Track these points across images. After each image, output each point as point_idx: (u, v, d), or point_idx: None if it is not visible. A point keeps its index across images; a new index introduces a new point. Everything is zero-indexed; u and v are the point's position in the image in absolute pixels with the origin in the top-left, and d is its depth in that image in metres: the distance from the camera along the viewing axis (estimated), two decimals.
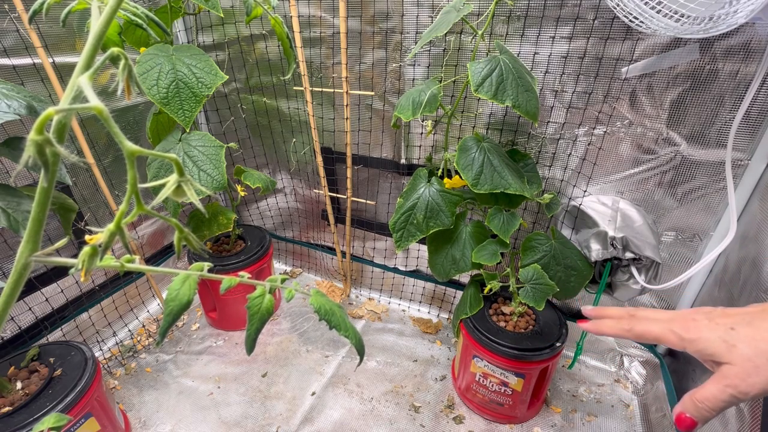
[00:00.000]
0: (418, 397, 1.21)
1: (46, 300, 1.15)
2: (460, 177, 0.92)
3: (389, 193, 1.40)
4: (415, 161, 1.30)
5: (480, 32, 0.86)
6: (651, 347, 1.21)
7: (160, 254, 1.57)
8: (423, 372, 1.30)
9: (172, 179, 0.27)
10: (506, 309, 1.11)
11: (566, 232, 1.10)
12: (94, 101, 0.22)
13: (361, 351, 0.44)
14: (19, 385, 0.91)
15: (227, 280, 0.38)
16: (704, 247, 1.04)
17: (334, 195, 1.46)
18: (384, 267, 1.56)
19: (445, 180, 1.01)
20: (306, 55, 1.26)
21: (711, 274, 1.04)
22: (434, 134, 1.23)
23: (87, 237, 0.27)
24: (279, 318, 1.52)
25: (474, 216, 1.25)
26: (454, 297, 1.47)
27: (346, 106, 1.21)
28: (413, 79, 1.18)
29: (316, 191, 1.52)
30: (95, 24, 0.25)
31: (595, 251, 0.98)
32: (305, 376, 1.28)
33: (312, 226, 1.66)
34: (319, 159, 1.33)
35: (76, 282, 1.25)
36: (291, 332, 1.45)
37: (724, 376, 0.47)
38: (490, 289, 1.02)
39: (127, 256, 0.32)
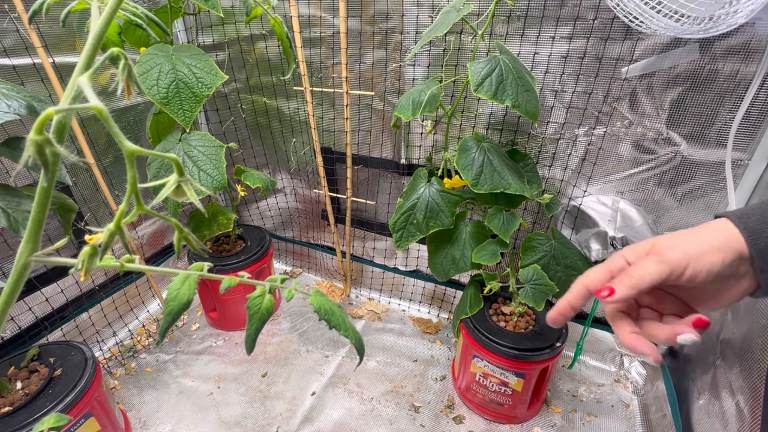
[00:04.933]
0: (418, 397, 1.21)
1: (46, 300, 1.15)
2: (460, 177, 0.92)
3: (389, 193, 1.40)
4: (415, 161, 1.30)
5: (480, 32, 0.86)
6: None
7: (160, 254, 1.57)
8: (423, 372, 1.30)
9: (172, 179, 0.27)
10: (506, 309, 1.11)
11: (566, 232, 1.10)
12: (94, 101, 0.22)
13: (360, 351, 0.44)
14: (19, 385, 0.91)
15: (227, 280, 0.38)
16: None
17: (334, 195, 1.46)
18: (384, 267, 1.56)
19: (445, 180, 1.01)
20: (306, 55, 1.26)
21: None
22: (434, 134, 1.23)
23: (87, 237, 0.27)
24: (279, 318, 1.52)
25: (474, 216, 1.25)
26: (454, 297, 1.47)
27: (346, 106, 1.21)
28: (413, 79, 1.18)
29: (316, 191, 1.52)
30: (95, 24, 0.25)
31: (595, 251, 0.98)
32: (305, 376, 1.28)
33: (312, 226, 1.66)
34: (319, 159, 1.33)
35: (76, 282, 1.25)
36: (291, 332, 1.45)
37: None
38: (490, 290, 1.02)
39: (127, 255, 0.32)
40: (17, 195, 0.77)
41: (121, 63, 0.26)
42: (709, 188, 0.97)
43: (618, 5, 0.75)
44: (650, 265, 0.38)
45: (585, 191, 1.09)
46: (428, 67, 1.13)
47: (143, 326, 1.46)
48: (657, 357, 0.40)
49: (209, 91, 0.90)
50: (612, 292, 0.38)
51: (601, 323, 1.28)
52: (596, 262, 1.01)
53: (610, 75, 0.96)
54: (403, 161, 1.32)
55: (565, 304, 0.42)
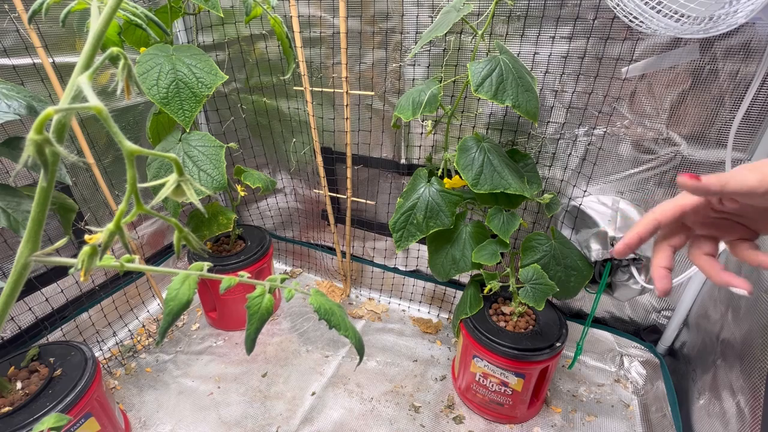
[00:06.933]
0: (418, 397, 1.21)
1: (46, 300, 1.15)
2: (460, 177, 0.92)
3: (389, 193, 1.40)
4: (415, 161, 1.30)
5: (480, 32, 0.86)
6: (651, 347, 1.21)
7: (160, 254, 1.57)
8: (423, 372, 1.29)
9: (172, 179, 0.27)
10: (506, 309, 1.11)
11: (566, 232, 1.10)
12: (94, 101, 0.22)
13: (360, 351, 0.44)
14: (19, 385, 0.91)
15: (227, 280, 0.38)
16: None
17: (334, 195, 1.46)
18: (384, 267, 1.56)
19: (445, 180, 1.01)
20: (306, 55, 1.26)
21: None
22: (434, 134, 1.23)
23: (87, 237, 0.27)
24: (279, 318, 1.52)
25: (474, 216, 1.25)
26: (454, 297, 1.47)
27: (346, 106, 1.21)
28: (413, 79, 1.18)
29: (316, 191, 1.52)
30: (95, 24, 0.25)
31: (595, 251, 0.98)
32: (305, 376, 1.28)
33: (312, 226, 1.66)
34: (319, 159, 1.33)
35: (76, 282, 1.25)
36: (291, 332, 1.45)
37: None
38: (490, 289, 1.02)
39: (127, 255, 0.32)
40: (17, 195, 0.78)
41: (121, 63, 0.26)
42: None
43: (618, 5, 0.75)
44: (744, 172, 0.35)
45: (585, 191, 1.09)
46: (428, 67, 1.13)
47: (143, 326, 1.46)
48: (750, 288, 0.39)
49: (209, 91, 0.90)
50: (698, 178, 0.36)
51: (601, 323, 1.28)
52: (596, 263, 1.01)
53: (610, 75, 0.96)
54: (403, 161, 1.32)
55: (634, 235, 0.41)
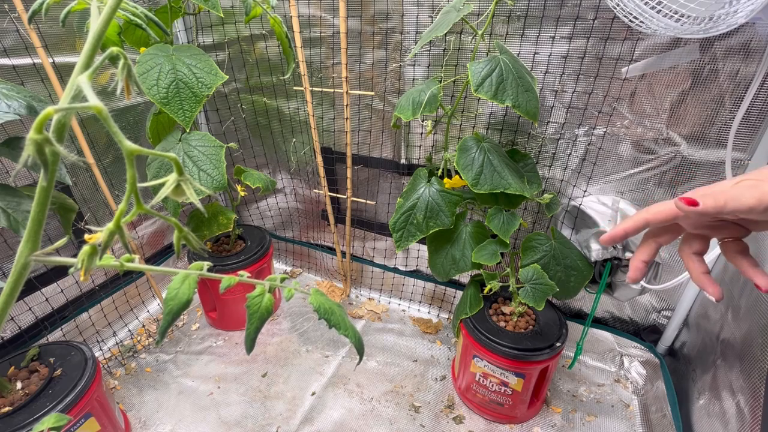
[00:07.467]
0: (418, 397, 1.21)
1: (46, 300, 1.15)
2: (460, 177, 0.92)
3: (389, 193, 1.40)
4: (415, 161, 1.30)
5: (480, 32, 0.86)
6: (651, 347, 1.21)
7: (160, 254, 1.57)
8: (423, 372, 1.29)
9: (172, 179, 0.27)
10: (506, 309, 1.11)
11: (566, 232, 1.10)
12: (94, 101, 0.22)
13: (360, 350, 0.44)
14: (19, 385, 0.91)
15: (226, 280, 0.38)
16: None
17: (334, 195, 1.46)
18: (384, 267, 1.56)
19: (445, 180, 1.01)
20: (306, 55, 1.26)
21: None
22: (434, 134, 1.23)
23: (86, 236, 0.27)
24: (279, 318, 1.52)
25: (474, 216, 1.25)
26: (454, 297, 1.47)
27: (346, 106, 1.21)
28: (413, 79, 1.18)
29: (316, 191, 1.52)
30: (94, 24, 0.25)
31: (595, 251, 0.98)
32: (305, 376, 1.28)
33: (312, 226, 1.66)
34: (319, 159, 1.33)
35: (76, 282, 1.25)
36: (291, 332, 1.45)
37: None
38: (490, 289, 1.02)
39: (127, 255, 0.32)
40: (17, 195, 0.78)
41: (121, 63, 0.26)
42: None
43: (618, 5, 0.75)
44: (742, 190, 0.35)
45: (585, 191, 1.09)
46: (428, 67, 1.13)
47: (143, 326, 1.46)
48: (719, 296, 0.41)
49: (209, 91, 0.90)
50: (695, 203, 0.36)
51: (601, 323, 1.28)
52: (596, 263, 1.01)
53: (610, 75, 0.96)
54: (403, 161, 1.32)
55: (620, 229, 0.43)
